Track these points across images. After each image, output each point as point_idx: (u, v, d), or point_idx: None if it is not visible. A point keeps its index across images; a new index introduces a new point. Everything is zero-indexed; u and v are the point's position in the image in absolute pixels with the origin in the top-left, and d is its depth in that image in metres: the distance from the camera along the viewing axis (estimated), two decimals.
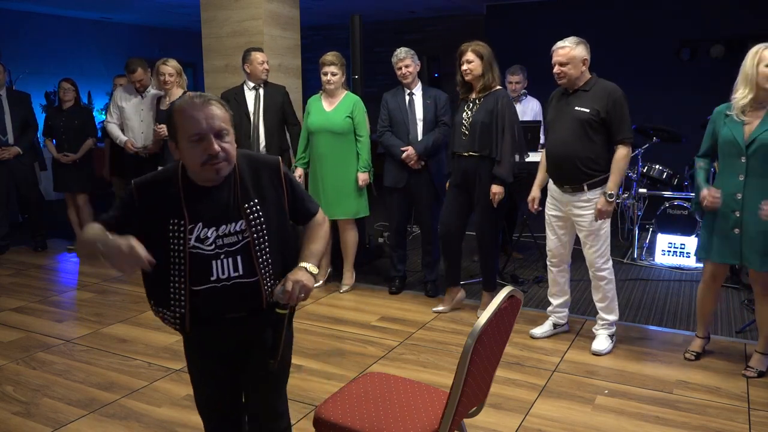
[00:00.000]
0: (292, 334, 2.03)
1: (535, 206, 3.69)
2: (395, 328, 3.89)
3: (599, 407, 2.89)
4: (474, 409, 2.05)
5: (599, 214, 3.32)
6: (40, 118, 5.98)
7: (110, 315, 4.18)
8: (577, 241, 3.58)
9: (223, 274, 1.76)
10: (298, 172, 4.53)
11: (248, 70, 4.63)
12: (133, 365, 3.40)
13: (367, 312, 4.16)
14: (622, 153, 3.29)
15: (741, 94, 2.95)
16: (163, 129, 4.80)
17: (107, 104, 5.67)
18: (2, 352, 3.57)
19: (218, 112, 1.69)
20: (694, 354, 3.37)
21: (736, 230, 3.03)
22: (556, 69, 3.33)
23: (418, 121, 4.33)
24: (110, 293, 4.66)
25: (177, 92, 4.92)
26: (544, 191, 3.69)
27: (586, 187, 3.34)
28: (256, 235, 1.77)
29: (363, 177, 4.38)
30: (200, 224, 1.75)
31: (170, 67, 4.83)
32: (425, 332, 3.82)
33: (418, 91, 4.39)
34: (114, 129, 5.24)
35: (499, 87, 3.85)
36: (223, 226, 1.76)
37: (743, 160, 2.97)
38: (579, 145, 3.31)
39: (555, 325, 3.73)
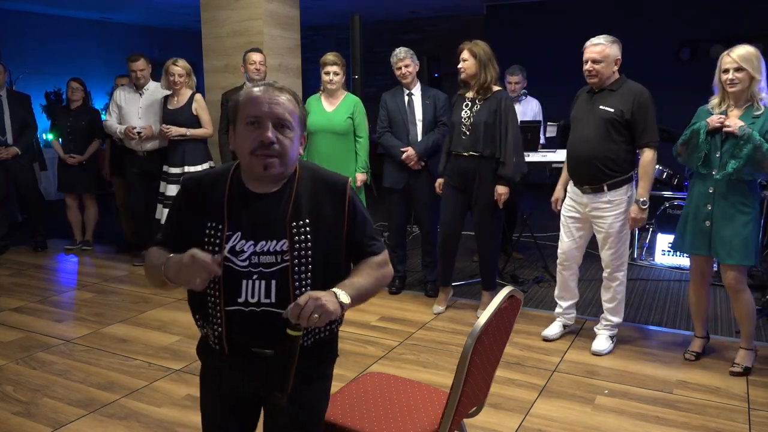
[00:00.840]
0: (328, 382, 1.73)
1: (559, 206, 3.68)
2: (395, 328, 3.89)
3: (599, 407, 2.89)
4: (474, 409, 2.05)
5: (633, 223, 3.33)
6: (40, 118, 5.97)
7: (110, 315, 4.18)
8: (591, 243, 3.59)
9: (253, 297, 1.53)
10: None
11: (244, 71, 4.66)
12: (133, 365, 3.40)
13: (367, 312, 4.16)
14: (648, 157, 3.27)
15: (715, 100, 3.16)
16: (170, 129, 4.80)
17: (107, 104, 5.66)
18: (2, 352, 3.57)
19: (286, 101, 1.52)
20: (694, 354, 3.38)
21: (707, 222, 3.13)
22: (588, 66, 3.31)
23: (417, 122, 4.32)
24: (110, 293, 4.66)
25: (186, 93, 4.92)
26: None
27: (606, 188, 3.33)
28: (297, 261, 1.53)
29: (361, 177, 4.38)
30: (239, 234, 1.54)
31: (180, 67, 4.84)
32: (425, 332, 3.82)
33: (417, 91, 4.39)
34: (112, 123, 5.22)
35: (499, 88, 3.87)
36: (263, 242, 1.53)
37: (717, 155, 3.07)
38: (601, 145, 3.30)
39: (565, 326, 3.73)
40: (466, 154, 3.88)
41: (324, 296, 1.42)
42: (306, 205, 1.56)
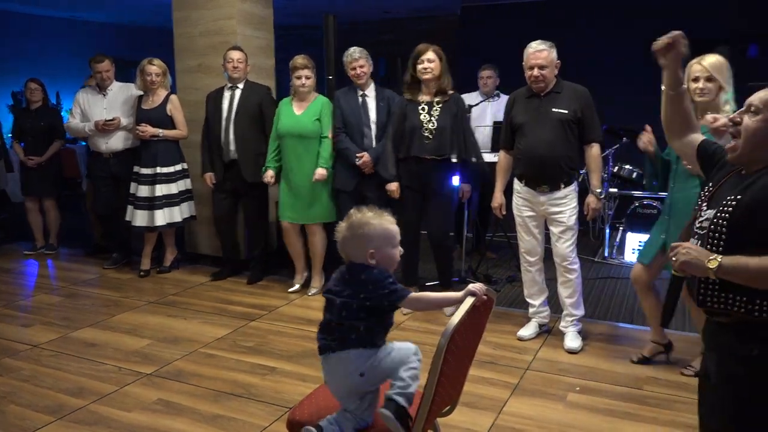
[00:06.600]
0: None
1: (503, 212, 3.75)
2: None
3: (571, 404, 2.93)
4: (447, 408, 2.06)
5: (592, 212, 3.54)
6: (7, 118, 5.84)
7: (79, 319, 4.10)
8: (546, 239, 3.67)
9: None
10: (269, 174, 4.48)
11: (224, 69, 4.61)
12: (103, 370, 3.34)
13: None
14: (597, 151, 3.49)
15: None
16: (146, 129, 4.72)
17: None
18: None
19: None
20: (639, 356, 3.36)
21: (663, 235, 3.11)
22: (535, 72, 3.36)
23: (371, 124, 4.26)
24: (79, 297, 4.57)
25: (161, 93, 4.86)
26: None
27: (562, 185, 3.44)
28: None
29: (321, 172, 4.25)
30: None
31: (156, 66, 4.79)
32: (399, 332, 3.82)
33: (371, 92, 4.30)
34: (76, 124, 5.09)
35: (452, 90, 3.95)
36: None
37: (674, 166, 3.10)
38: (561, 146, 3.40)
39: (540, 326, 3.76)
40: (428, 157, 3.89)
41: None
42: None
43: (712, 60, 2.93)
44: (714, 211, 1.60)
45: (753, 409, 1.57)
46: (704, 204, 1.68)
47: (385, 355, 1.90)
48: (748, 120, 1.59)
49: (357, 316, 1.87)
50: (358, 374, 1.88)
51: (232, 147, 4.61)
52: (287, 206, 4.45)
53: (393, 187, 4.02)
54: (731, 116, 1.65)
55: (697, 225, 1.67)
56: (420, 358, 1.95)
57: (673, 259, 1.60)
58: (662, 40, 1.78)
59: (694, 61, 2.97)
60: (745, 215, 1.52)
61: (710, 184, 1.72)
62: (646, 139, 3.18)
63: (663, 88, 1.87)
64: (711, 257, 1.53)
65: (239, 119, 4.59)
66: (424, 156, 3.90)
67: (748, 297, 1.52)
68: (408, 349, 1.94)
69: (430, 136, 3.88)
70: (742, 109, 1.63)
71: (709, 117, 2.69)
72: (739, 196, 1.55)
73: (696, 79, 2.95)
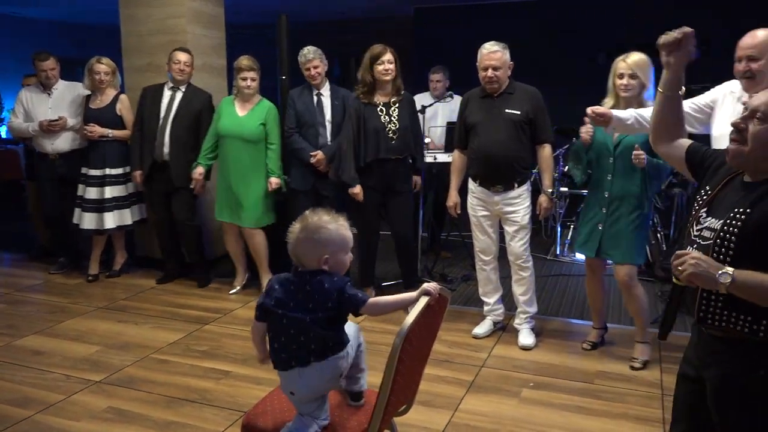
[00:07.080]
0: None
1: (458, 211, 3.79)
2: None
3: (525, 400, 2.98)
4: (404, 407, 2.07)
5: (544, 212, 3.59)
6: None
7: (24, 326, 3.95)
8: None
9: None
10: (199, 171, 4.38)
11: (168, 70, 4.51)
12: (50, 378, 3.22)
13: None
14: (549, 151, 3.55)
15: (609, 103, 3.19)
16: (94, 129, 4.58)
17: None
18: None
19: None
20: (590, 344, 3.54)
21: (600, 226, 3.26)
22: (489, 73, 3.40)
23: (327, 123, 4.24)
24: (24, 303, 4.40)
25: (110, 92, 4.72)
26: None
27: (516, 185, 3.49)
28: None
29: (275, 181, 4.25)
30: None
31: (105, 65, 4.67)
32: None
33: (326, 91, 4.28)
34: (19, 124, 4.88)
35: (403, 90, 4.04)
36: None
37: (611, 160, 3.21)
38: (514, 146, 3.45)
39: (495, 323, 3.81)
40: (393, 158, 3.93)
41: None
42: None
43: (636, 58, 3.12)
44: (720, 223, 1.52)
45: (751, 419, 1.54)
46: (703, 210, 1.61)
47: (351, 350, 1.94)
48: (755, 127, 1.50)
49: (332, 325, 1.85)
50: (339, 376, 1.91)
51: (166, 149, 4.50)
52: (223, 206, 4.41)
53: (357, 190, 3.99)
54: (734, 121, 1.55)
55: (696, 233, 1.58)
56: (362, 338, 2.07)
57: (680, 268, 1.48)
58: (671, 35, 1.65)
59: (620, 58, 3.14)
60: (757, 231, 1.45)
61: (707, 188, 1.64)
62: (585, 131, 3.26)
63: (660, 89, 1.75)
64: (722, 270, 1.43)
65: (177, 123, 4.48)
66: (389, 157, 3.93)
67: (753, 317, 1.47)
68: (355, 333, 1.99)
69: (394, 137, 3.93)
70: (746, 114, 1.52)
71: (589, 109, 2.83)
72: (749, 210, 1.49)
73: (621, 76, 3.12)
